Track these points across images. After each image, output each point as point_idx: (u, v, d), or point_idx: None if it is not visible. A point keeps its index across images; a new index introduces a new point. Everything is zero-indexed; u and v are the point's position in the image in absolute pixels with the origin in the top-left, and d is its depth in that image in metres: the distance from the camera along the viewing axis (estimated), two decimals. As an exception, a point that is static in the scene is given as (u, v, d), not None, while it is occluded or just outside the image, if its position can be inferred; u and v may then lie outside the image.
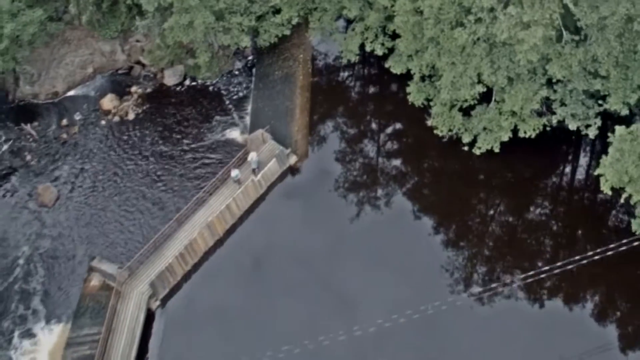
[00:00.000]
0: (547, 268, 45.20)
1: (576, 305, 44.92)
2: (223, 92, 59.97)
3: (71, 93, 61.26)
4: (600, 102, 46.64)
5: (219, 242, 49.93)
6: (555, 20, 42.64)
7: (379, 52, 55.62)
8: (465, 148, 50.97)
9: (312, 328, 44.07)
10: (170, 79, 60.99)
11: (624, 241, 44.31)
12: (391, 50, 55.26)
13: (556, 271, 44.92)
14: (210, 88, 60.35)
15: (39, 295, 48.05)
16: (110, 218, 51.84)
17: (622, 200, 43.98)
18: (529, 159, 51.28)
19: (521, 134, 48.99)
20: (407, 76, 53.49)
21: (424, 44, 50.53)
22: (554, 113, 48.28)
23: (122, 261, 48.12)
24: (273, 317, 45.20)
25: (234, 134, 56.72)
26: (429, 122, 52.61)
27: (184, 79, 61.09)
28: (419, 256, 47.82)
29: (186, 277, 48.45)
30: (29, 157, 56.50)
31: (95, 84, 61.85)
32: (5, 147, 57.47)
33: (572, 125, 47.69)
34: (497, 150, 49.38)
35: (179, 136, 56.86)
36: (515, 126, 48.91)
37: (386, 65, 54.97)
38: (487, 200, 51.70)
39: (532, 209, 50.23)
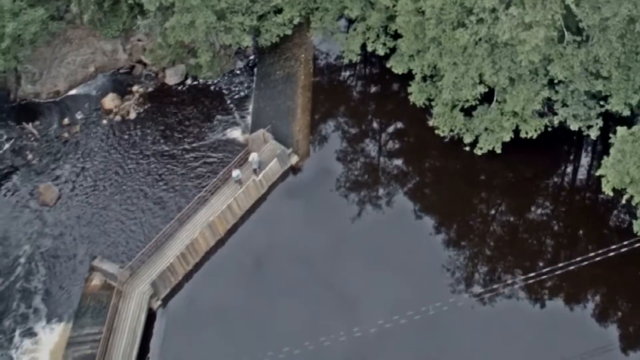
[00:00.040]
0: (548, 269, 45.14)
1: (578, 307, 44.90)
2: (224, 91, 59.97)
3: (73, 92, 61.28)
4: (601, 102, 46.59)
5: (220, 242, 49.94)
6: (557, 21, 42.61)
7: (381, 52, 55.58)
8: (467, 148, 50.94)
9: (312, 328, 44.05)
10: (171, 78, 60.99)
11: (625, 242, 44.23)
12: (393, 50, 55.19)
13: (557, 272, 44.86)
14: (212, 87, 60.35)
15: (40, 294, 48.11)
16: (111, 217, 51.87)
17: (623, 201, 43.92)
18: (531, 160, 51.22)
19: (523, 135, 48.93)
20: (409, 76, 53.45)
21: (425, 44, 50.49)
22: (555, 114, 48.24)
23: (124, 260, 48.16)
24: (274, 317, 45.22)
25: (235, 133, 56.73)
26: (431, 123, 52.57)
27: (186, 78, 61.09)
28: (420, 256, 47.80)
29: (187, 276, 48.48)
30: (30, 156, 56.54)
31: (97, 83, 61.85)
32: (6, 146, 57.51)
33: (573, 126, 47.65)
34: (498, 150, 49.33)
35: (180, 135, 56.87)
36: (517, 127, 48.85)
37: (387, 65, 54.92)
38: (488, 201, 51.65)
39: (533, 209, 50.20)
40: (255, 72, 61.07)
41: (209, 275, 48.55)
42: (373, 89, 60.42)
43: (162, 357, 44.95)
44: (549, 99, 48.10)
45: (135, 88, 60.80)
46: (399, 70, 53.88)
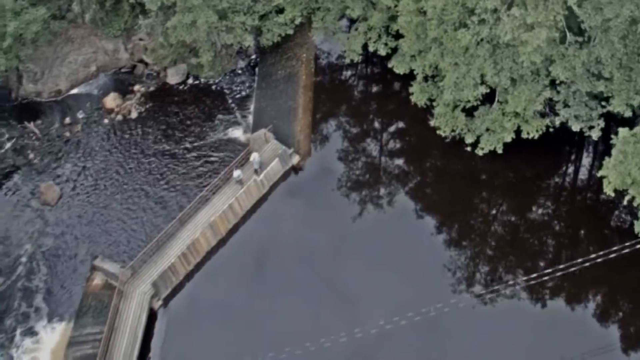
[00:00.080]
0: (549, 271, 45.14)
1: (580, 308, 44.92)
2: (226, 91, 59.94)
3: (74, 91, 61.26)
4: (603, 103, 46.56)
5: (222, 242, 49.94)
6: (559, 22, 42.59)
7: (382, 52, 55.51)
8: (468, 149, 50.86)
9: (313, 329, 44.06)
10: (173, 77, 60.99)
11: (627, 244, 44.21)
12: (394, 50, 55.14)
13: (559, 274, 44.84)
14: (213, 87, 60.33)
15: (42, 294, 48.16)
16: (112, 216, 51.88)
17: (624, 202, 43.90)
18: (532, 160, 51.19)
19: (524, 135, 48.89)
20: (410, 76, 53.37)
21: (427, 44, 50.44)
22: (557, 114, 48.21)
23: (125, 260, 48.19)
24: (275, 317, 45.21)
25: (237, 133, 56.72)
26: (432, 123, 52.55)
27: (187, 77, 61.07)
28: (421, 256, 47.81)
29: (188, 276, 48.50)
30: (31, 156, 56.57)
31: (98, 82, 61.81)
32: (8, 145, 57.51)
33: (575, 127, 47.62)
34: (500, 151, 49.28)
35: (181, 135, 56.87)
36: (518, 127, 48.81)
37: (389, 65, 54.85)
38: (489, 201, 51.66)
39: (534, 209, 50.20)
40: (257, 72, 61.05)
41: (210, 275, 48.57)
42: (374, 89, 60.39)
43: (163, 357, 44.98)
44: (550, 99, 48.07)
45: (136, 87, 60.80)
46: (400, 70, 53.80)
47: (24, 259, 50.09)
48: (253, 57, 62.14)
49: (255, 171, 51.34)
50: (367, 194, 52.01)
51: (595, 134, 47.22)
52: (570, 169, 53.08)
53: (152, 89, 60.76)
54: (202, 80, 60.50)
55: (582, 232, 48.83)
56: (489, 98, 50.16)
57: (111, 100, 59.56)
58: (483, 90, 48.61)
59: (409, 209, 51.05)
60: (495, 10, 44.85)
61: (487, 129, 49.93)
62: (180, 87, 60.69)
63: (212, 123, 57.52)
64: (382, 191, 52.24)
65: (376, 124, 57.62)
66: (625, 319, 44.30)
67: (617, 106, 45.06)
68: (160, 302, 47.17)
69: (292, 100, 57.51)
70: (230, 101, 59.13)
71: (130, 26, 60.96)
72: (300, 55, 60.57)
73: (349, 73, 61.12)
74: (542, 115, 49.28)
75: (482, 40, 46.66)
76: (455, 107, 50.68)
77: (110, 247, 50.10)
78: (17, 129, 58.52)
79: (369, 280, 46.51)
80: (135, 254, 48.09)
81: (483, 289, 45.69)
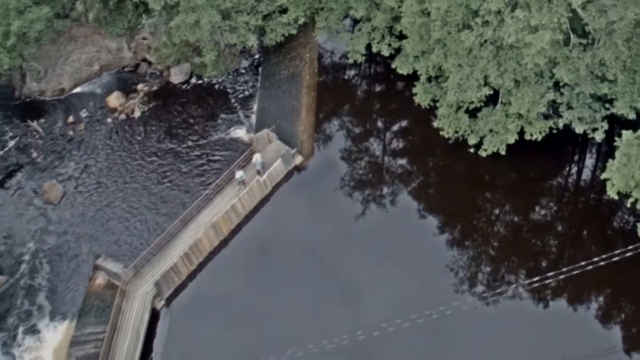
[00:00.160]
0: (552, 273, 45.10)
1: (582, 310, 44.82)
2: (229, 90, 59.94)
3: (77, 90, 61.32)
4: (607, 105, 46.51)
5: (224, 242, 49.91)
6: (563, 24, 42.49)
7: (386, 52, 55.49)
8: (471, 150, 50.82)
9: (315, 331, 44.03)
10: (176, 77, 60.98)
11: (630, 247, 44.18)
12: (398, 50, 55.10)
13: (562, 277, 44.82)
14: (216, 86, 60.32)
15: (44, 292, 48.20)
16: (115, 215, 51.91)
17: (628, 205, 43.84)
18: (535, 162, 51.14)
19: (527, 137, 48.84)
20: (414, 77, 53.33)
21: (430, 45, 50.38)
22: (560, 116, 48.10)
23: (128, 259, 48.18)
24: (277, 318, 45.21)
25: (240, 132, 56.72)
26: (435, 124, 52.52)
27: (190, 77, 61.07)
28: (424, 256, 47.73)
29: (191, 276, 48.49)
30: (35, 154, 56.62)
31: (102, 81, 61.89)
32: (11, 143, 57.58)
33: (578, 129, 47.53)
34: (503, 152, 49.21)
35: (184, 134, 56.88)
36: (522, 129, 48.77)
37: (392, 66, 54.79)
38: (492, 202, 51.65)
39: (537, 211, 50.11)
40: (260, 72, 61.03)
41: (212, 275, 48.56)
42: (378, 89, 60.36)
43: (166, 357, 45.00)
44: (554, 101, 47.96)
45: (140, 86, 60.82)
46: (404, 70, 53.75)
47: (26, 257, 50.17)
48: (256, 56, 62.14)
49: (258, 172, 51.32)
50: (370, 194, 51.99)
51: (598, 136, 47.16)
52: (574, 171, 53.01)
53: (155, 88, 60.79)
54: (206, 79, 60.51)
55: (585, 233, 48.74)
56: (492, 99, 50.12)
57: (114, 99, 59.61)
58: (486, 91, 48.54)
59: (411, 210, 50.99)
60: (499, 12, 44.79)
61: (491, 131, 49.89)
62: (184, 87, 60.70)
63: (215, 122, 57.52)
64: (385, 192, 52.22)
65: (379, 125, 57.59)
66: (628, 321, 44.21)
67: (620, 108, 45.00)
68: (162, 302, 47.18)
69: (295, 100, 57.50)
70: (233, 101, 59.13)
71: (134, 25, 60.99)
72: (303, 55, 60.54)
73: (352, 73, 61.09)
74: (546, 117, 49.20)
75: (485, 41, 46.60)
76: (459, 108, 50.64)
77: (113, 245, 50.09)
78: (20, 127, 58.59)
79: (372, 280, 46.41)
80: (138, 253, 48.09)
81: (486, 290, 45.64)
